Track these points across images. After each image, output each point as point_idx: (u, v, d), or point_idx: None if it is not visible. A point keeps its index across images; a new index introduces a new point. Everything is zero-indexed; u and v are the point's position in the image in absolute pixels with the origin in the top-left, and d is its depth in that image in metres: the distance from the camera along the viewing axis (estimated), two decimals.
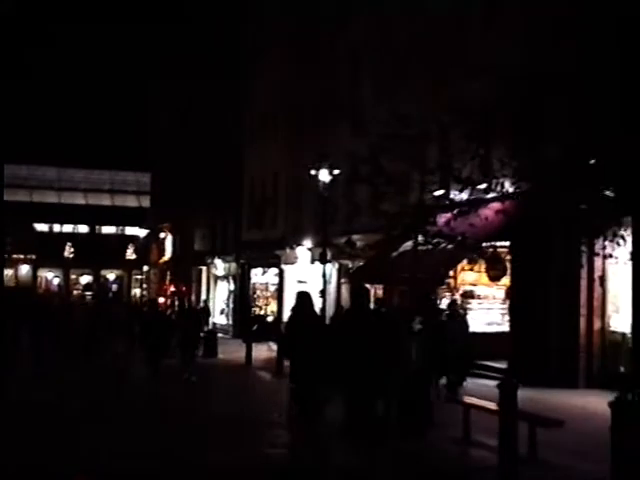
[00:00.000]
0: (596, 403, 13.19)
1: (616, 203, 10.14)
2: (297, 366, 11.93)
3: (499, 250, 21.30)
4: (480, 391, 16.44)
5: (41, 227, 63.53)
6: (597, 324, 19.33)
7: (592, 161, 10.90)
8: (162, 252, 54.77)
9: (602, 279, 18.87)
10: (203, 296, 45.30)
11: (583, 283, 19.16)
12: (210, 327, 30.32)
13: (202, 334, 25.58)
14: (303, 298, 12.41)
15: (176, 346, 22.01)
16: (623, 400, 9.14)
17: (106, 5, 65.64)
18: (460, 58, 21.58)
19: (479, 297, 23.69)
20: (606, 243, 14.84)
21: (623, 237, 11.12)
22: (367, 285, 28.62)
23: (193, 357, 22.07)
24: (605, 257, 17.18)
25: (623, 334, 18.84)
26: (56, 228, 65.11)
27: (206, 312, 33.13)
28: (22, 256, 60.28)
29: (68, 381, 19.95)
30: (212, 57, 43.28)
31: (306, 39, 34.26)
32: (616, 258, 16.54)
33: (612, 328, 19.21)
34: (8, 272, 59.71)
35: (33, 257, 60.84)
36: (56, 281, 63.75)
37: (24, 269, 61.03)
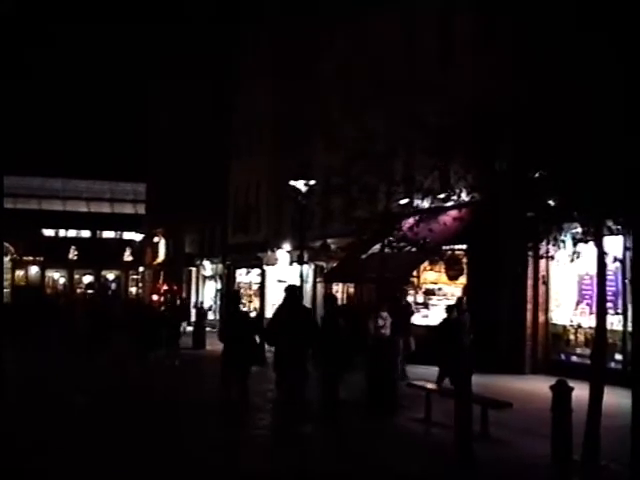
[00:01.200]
0: (540, 387, 13.35)
1: (557, 211, 10.29)
2: (279, 354, 12.14)
3: (457, 252, 21.47)
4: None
5: (48, 232, 63.12)
6: (541, 317, 19.54)
7: (536, 174, 11.05)
8: (156, 254, 54.56)
9: (545, 278, 19.09)
10: (193, 294, 45.21)
11: (529, 282, 19.37)
12: (200, 322, 30.07)
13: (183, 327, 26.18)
14: (290, 292, 12.60)
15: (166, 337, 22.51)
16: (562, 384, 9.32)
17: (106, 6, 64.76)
18: (418, 83, 21.70)
19: (440, 294, 23.85)
20: (549, 247, 15.00)
21: (563, 241, 11.26)
22: (340, 284, 28.88)
23: (176, 345, 22.79)
24: (548, 259, 17.35)
25: (564, 326, 19.08)
26: (62, 233, 64.72)
27: (202, 311, 32.52)
28: (31, 258, 59.91)
29: (70, 371, 19.92)
30: (200, 75, 43.16)
31: (286, 60, 34.34)
32: (557, 260, 16.71)
33: (554, 321, 19.43)
34: (19, 272, 59.34)
35: (41, 259, 60.44)
36: (62, 280, 63.37)
37: (33, 270, 60.63)
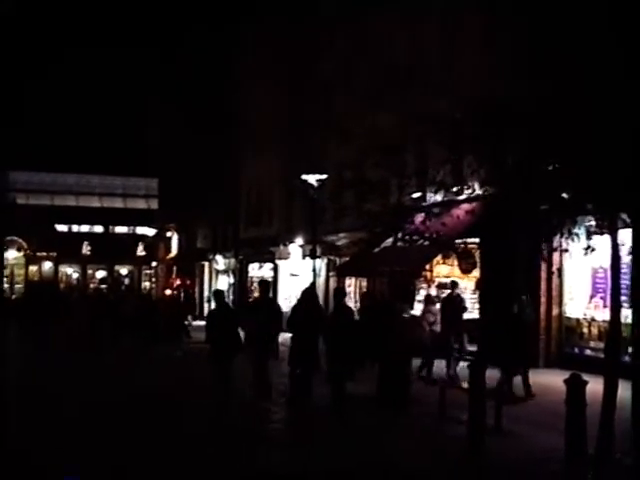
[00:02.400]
0: (554, 381, 13.31)
1: (571, 203, 10.24)
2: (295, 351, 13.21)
3: (470, 246, 21.40)
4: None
5: (61, 227, 63.27)
6: (555, 311, 19.46)
7: (550, 167, 10.99)
8: (169, 249, 54.68)
9: (559, 271, 19.00)
10: (206, 288, 45.30)
11: (543, 275, 19.29)
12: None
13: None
14: (306, 295, 13.71)
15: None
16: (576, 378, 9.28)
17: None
18: (428, 78, 21.63)
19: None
20: (563, 240, 14.94)
21: (577, 234, 11.21)
22: (352, 278, 28.87)
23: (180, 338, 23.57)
24: (562, 252, 17.29)
25: (577, 319, 19.01)
26: (74, 228, 64.85)
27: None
28: (45, 254, 60.06)
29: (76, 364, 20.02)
30: (209, 74, 43.22)
31: (291, 56, 34.35)
32: (571, 253, 16.65)
33: (568, 314, 19.36)
34: (33, 268, 59.54)
35: (54, 254, 60.60)
36: (75, 276, 63.58)
37: (47, 265, 60.80)
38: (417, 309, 23.81)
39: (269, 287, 14.90)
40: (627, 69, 8.97)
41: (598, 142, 9.33)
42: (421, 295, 24.16)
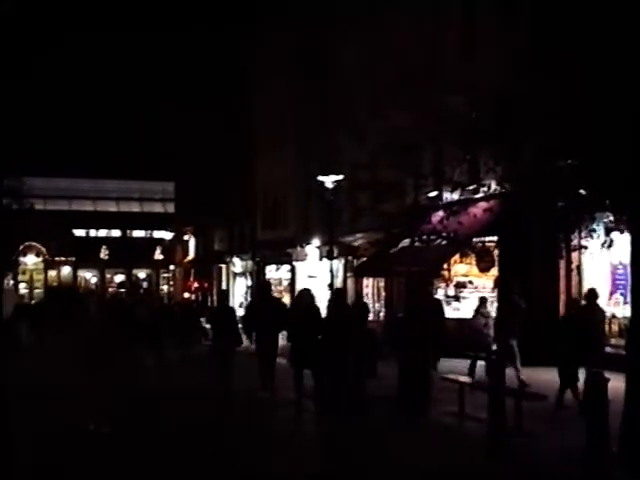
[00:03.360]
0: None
1: (589, 200, 10.18)
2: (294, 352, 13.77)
3: (487, 244, 21.32)
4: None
5: (79, 232, 63.61)
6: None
7: (568, 161, 10.94)
8: (186, 252, 54.86)
9: (578, 268, 18.91)
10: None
11: (562, 272, 19.20)
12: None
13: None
14: (301, 297, 14.18)
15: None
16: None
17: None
18: (443, 76, 21.58)
19: (471, 286, 23.73)
20: (581, 237, 14.87)
21: (596, 231, 11.15)
22: (370, 278, 28.84)
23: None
24: (580, 249, 17.19)
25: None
26: (92, 233, 65.18)
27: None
28: (63, 258, 60.42)
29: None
30: (225, 75, 43.31)
31: (307, 56, 34.35)
32: (591, 250, 16.56)
33: None
34: (52, 273, 59.86)
35: (73, 259, 60.94)
36: (93, 280, 63.90)
37: (65, 270, 61.14)
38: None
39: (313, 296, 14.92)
40: None
41: (615, 139, 9.27)
42: (439, 294, 24.11)
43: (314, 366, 13.55)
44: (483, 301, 18.35)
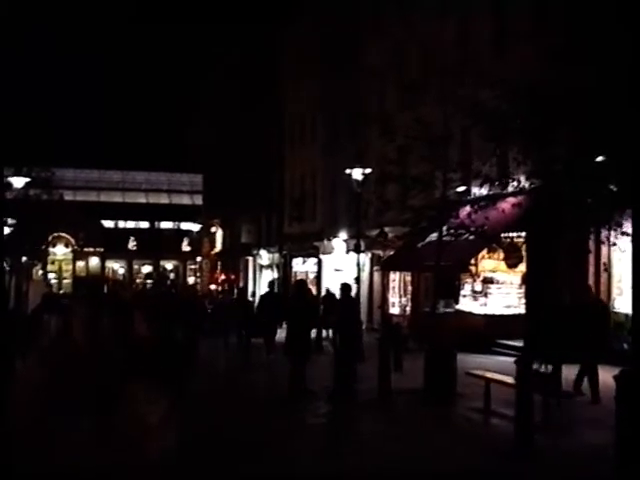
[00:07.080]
0: (603, 376, 13.08)
1: (619, 196, 10.07)
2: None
3: (515, 240, 21.18)
4: (499, 367, 16.42)
5: (108, 223, 64.10)
6: None
7: (599, 158, 10.82)
8: (213, 244, 55.07)
9: (607, 265, 18.71)
10: (250, 283, 45.48)
11: (590, 269, 19.02)
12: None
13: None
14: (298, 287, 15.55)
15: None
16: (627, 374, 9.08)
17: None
18: (474, 70, 21.47)
19: (498, 282, 23.59)
20: (611, 233, 14.72)
21: (623, 226, 11.04)
22: (397, 272, 28.72)
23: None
24: (610, 245, 17.02)
25: (626, 315, 18.65)
26: (121, 224, 65.69)
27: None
28: (92, 249, 60.97)
29: None
30: (254, 68, 43.38)
31: (336, 49, 34.29)
32: (620, 247, 16.39)
33: (616, 309, 19.03)
34: (80, 263, 60.43)
35: (101, 250, 61.47)
36: (121, 271, 64.39)
37: (94, 261, 61.67)
38: (462, 304, 23.67)
39: (350, 290, 15.31)
40: None
41: None
42: (466, 290, 24.01)
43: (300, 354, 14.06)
44: None
